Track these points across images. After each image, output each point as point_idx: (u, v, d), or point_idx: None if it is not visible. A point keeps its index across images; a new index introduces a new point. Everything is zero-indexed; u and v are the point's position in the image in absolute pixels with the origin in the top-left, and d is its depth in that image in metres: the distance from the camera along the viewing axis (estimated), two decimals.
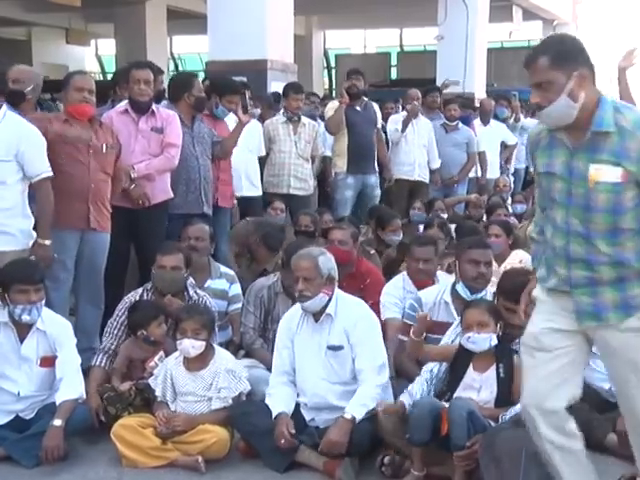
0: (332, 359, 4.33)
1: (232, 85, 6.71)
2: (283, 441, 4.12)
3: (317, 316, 4.37)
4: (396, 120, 8.91)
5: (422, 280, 5.24)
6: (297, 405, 4.40)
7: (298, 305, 4.47)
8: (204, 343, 4.37)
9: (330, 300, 4.35)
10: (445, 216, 7.69)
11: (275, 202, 6.95)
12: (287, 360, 4.43)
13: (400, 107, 10.07)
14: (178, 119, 5.82)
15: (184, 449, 4.24)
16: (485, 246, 4.94)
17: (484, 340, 4.05)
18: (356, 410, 4.17)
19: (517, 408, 3.86)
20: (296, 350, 4.41)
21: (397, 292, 5.23)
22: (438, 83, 14.12)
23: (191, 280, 5.12)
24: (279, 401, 4.32)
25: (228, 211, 6.61)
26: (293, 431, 4.15)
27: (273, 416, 4.22)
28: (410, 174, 8.88)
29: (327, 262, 4.38)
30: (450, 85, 12.32)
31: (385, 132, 8.94)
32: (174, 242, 5.28)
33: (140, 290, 5.03)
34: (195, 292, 5.04)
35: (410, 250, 5.43)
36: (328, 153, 8.22)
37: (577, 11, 22.07)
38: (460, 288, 4.74)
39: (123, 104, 5.80)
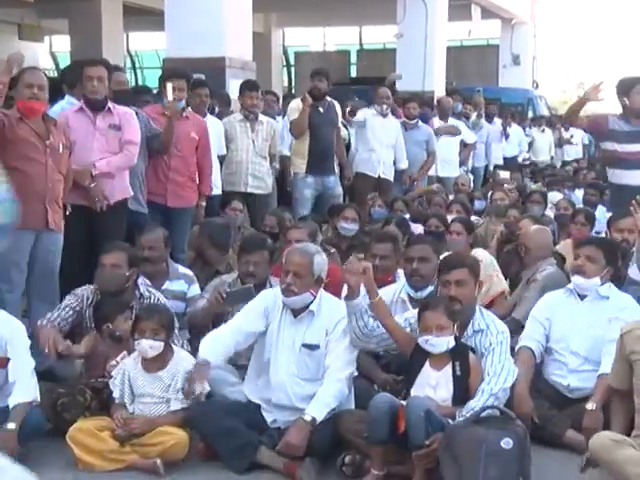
0: (306, 357, 4.32)
1: (177, 69, 6.62)
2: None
3: (297, 312, 4.34)
4: (365, 113, 8.94)
5: (380, 277, 5.23)
6: (258, 406, 4.37)
7: (280, 294, 4.38)
8: (162, 343, 4.32)
9: (314, 299, 4.33)
10: (407, 216, 7.70)
11: (233, 202, 6.89)
12: (246, 329, 4.32)
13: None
14: (135, 116, 5.75)
15: (142, 452, 4.19)
16: (420, 242, 4.94)
17: (442, 343, 4.04)
18: (317, 411, 4.15)
19: (474, 406, 3.90)
20: (268, 340, 4.36)
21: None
22: (399, 82, 14.23)
23: (144, 280, 5.07)
24: (210, 346, 4.24)
25: (187, 212, 6.53)
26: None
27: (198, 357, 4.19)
28: (373, 171, 8.89)
29: (321, 262, 4.36)
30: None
31: (346, 127, 8.95)
32: (120, 242, 5.17)
33: (93, 287, 4.95)
34: (147, 290, 4.98)
35: (369, 246, 5.42)
36: (287, 153, 8.18)
37: (535, 10, 22.25)
38: (406, 286, 4.75)
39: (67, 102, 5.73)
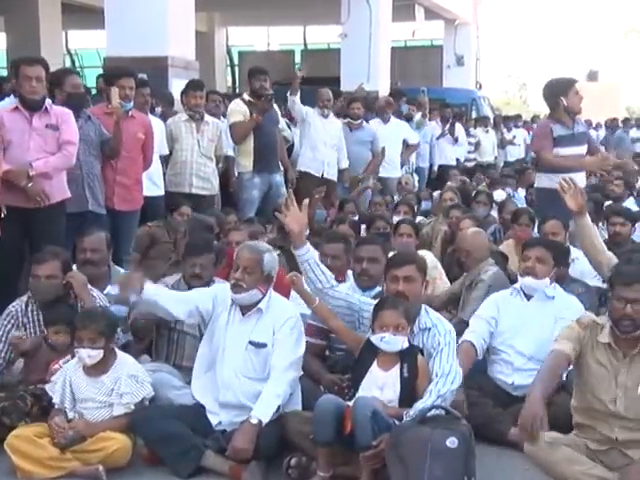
0: (252, 355, 4.31)
1: (125, 68, 6.54)
2: None
3: (245, 310, 4.34)
4: (307, 110, 8.94)
5: None
6: (203, 409, 4.33)
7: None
8: (101, 351, 4.25)
9: (263, 297, 4.34)
10: (356, 218, 7.71)
11: (182, 207, 6.77)
12: (195, 301, 4.42)
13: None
14: (73, 117, 5.66)
15: (84, 458, 4.12)
16: (370, 243, 4.95)
17: (398, 342, 4.05)
18: (263, 413, 4.13)
19: (422, 407, 3.91)
20: (216, 337, 4.37)
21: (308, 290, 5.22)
22: (344, 81, 14.26)
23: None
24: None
25: (133, 214, 6.46)
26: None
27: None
28: (317, 170, 8.89)
29: (271, 260, 4.38)
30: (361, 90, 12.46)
31: (289, 127, 8.92)
32: (52, 249, 5.02)
33: (25, 298, 4.86)
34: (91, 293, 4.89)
35: (320, 246, 5.42)
36: (231, 153, 8.13)
37: (478, 11, 22.50)
38: (354, 285, 4.76)
39: (11, 101, 5.61)
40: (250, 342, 4.31)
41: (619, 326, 3.75)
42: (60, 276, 4.80)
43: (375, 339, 4.08)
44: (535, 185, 7.07)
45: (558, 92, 6.77)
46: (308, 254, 4.29)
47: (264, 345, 4.30)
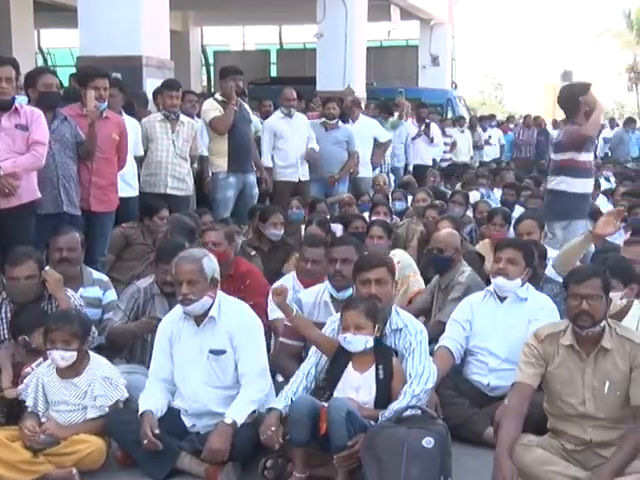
0: (214, 363, 4.27)
1: (97, 69, 6.47)
2: (146, 441, 4.02)
3: (199, 319, 4.29)
4: (273, 119, 8.94)
5: (310, 280, 5.21)
6: (177, 411, 4.31)
7: (177, 308, 4.38)
8: (75, 353, 4.22)
9: (213, 303, 4.28)
10: (327, 217, 7.70)
11: (161, 211, 6.72)
12: (165, 367, 4.34)
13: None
14: (43, 116, 5.59)
15: (57, 461, 4.08)
16: (343, 243, 4.94)
17: (359, 341, 4.04)
18: (237, 414, 4.12)
19: (397, 408, 3.91)
20: (176, 355, 4.33)
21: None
22: (320, 81, 14.26)
23: None
24: (147, 399, 4.22)
25: (107, 216, 6.41)
26: (157, 431, 4.05)
27: (140, 412, 4.14)
28: (293, 176, 8.89)
29: (211, 264, 4.32)
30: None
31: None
32: (24, 249, 4.97)
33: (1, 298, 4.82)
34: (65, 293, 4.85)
35: (300, 250, 5.40)
36: (205, 153, 8.09)
37: (453, 12, 22.58)
38: (329, 287, 4.75)
39: None
40: (210, 351, 4.27)
41: (578, 323, 3.81)
42: (38, 275, 4.76)
43: (340, 339, 4.09)
44: (552, 187, 6.91)
45: (579, 96, 6.70)
46: None
47: (223, 352, 4.27)
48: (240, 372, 4.24)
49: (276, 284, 5.22)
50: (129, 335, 4.90)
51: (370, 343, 4.06)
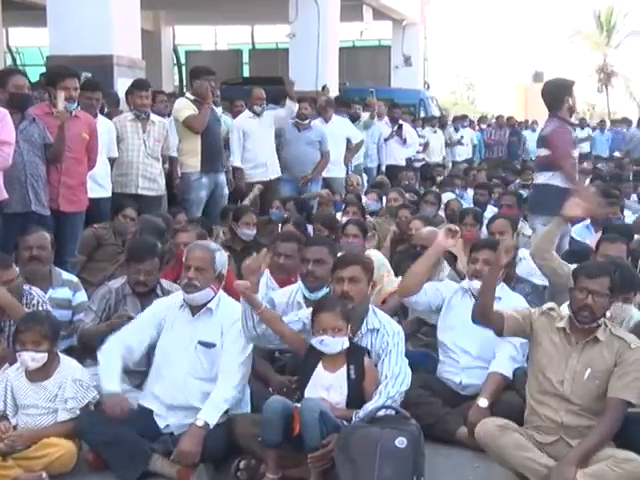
0: (202, 355, 4.27)
1: (67, 69, 6.41)
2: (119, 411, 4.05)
3: (195, 310, 4.32)
4: (241, 120, 8.94)
5: (283, 276, 5.21)
6: (150, 412, 4.27)
7: (176, 296, 4.41)
8: (45, 354, 4.17)
9: (214, 297, 4.32)
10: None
11: (126, 210, 6.68)
12: (135, 338, 4.32)
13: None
14: (9, 116, 5.54)
15: (26, 465, 4.03)
16: (316, 244, 4.94)
17: (337, 344, 4.04)
18: (209, 415, 4.10)
19: (371, 407, 3.91)
20: (164, 342, 4.33)
21: (260, 289, 5.18)
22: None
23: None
24: (111, 377, 4.18)
25: (77, 216, 6.36)
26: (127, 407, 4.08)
27: (104, 391, 4.13)
28: (263, 175, 8.88)
29: (222, 259, 4.39)
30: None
31: None
32: (3, 255, 4.96)
33: None
34: (30, 292, 4.80)
35: (274, 245, 5.41)
36: (174, 154, 8.04)
37: (425, 12, 22.65)
38: (302, 287, 4.74)
39: None
40: (199, 342, 4.28)
41: (578, 316, 3.93)
42: (19, 277, 4.75)
43: (315, 342, 4.07)
44: (538, 181, 6.78)
45: (565, 92, 6.71)
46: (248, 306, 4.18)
47: (213, 345, 4.27)
48: (220, 365, 4.23)
49: None
50: (102, 335, 4.84)
51: (346, 344, 4.06)
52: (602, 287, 3.92)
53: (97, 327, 4.87)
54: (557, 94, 6.69)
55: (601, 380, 3.88)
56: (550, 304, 4.25)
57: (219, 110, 9.35)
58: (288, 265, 5.30)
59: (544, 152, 6.77)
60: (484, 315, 4.17)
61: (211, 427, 4.07)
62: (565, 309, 4.10)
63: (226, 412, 4.16)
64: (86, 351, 4.92)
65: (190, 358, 4.28)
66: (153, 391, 4.33)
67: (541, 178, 6.72)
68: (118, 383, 4.19)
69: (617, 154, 18.05)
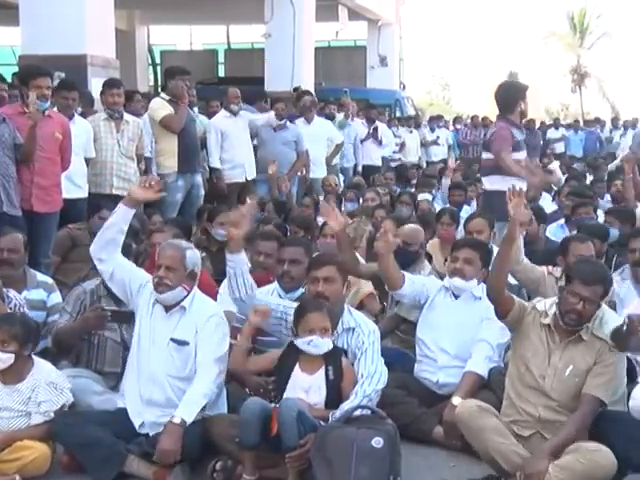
0: (174, 352, 4.25)
1: (40, 68, 6.36)
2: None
3: (168, 308, 4.29)
4: (222, 115, 8.92)
5: (262, 275, 5.18)
6: (126, 413, 4.25)
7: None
8: (12, 356, 4.12)
9: (187, 295, 4.29)
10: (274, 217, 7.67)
11: (102, 211, 6.62)
12: (129, 272, 4.42)
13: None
14: None
15: (0, 468, 4.00)
16: (292, 244, 4.94)
17: (326, 344, 4.06)
18: (186, 412, 4.07)
19: (347, 407, 3.92)
20: (139, 334, 4.31)
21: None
22: (268, 81, 14.19)
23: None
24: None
25: (51, 217, 6.31)
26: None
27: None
28: (240, 176, 8.87)
29: (193, 257, 4.35)
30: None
31: None
32: None
33: None
34: (7, 295, 4.76)
35: (253, 244, 5.40)
36: (148, 154, 8.00)
37: (400, 12, 22.70)
38: (278, 288, 4.75)
39: None
40: (172, 339, 4.25)
41: (565, 318, 3.96)
42: None
43: (302, 343, 4.06)
44: (486, 187, 6.85)
45: (518, 96, 6.74)
46: (239, 262, 4.25)
47: (186, 343, 4.24)
48: (197, 360, 4.20)
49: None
50: (77, 332, 4.78)
51: (331, 345, 4.09)
52: (595, 295, 3.94)
53: (71, 325, 4.82)
54: (511, 97, 6.76)
55: (581, 378, 3.93)
56: (538, 299, 4.29)
57: (195, 110, 9.34)
58: (267, 264, 5.29)
59: (486, 155, 6.83)
60: (497, 291, 4.14)
61: (188, 424, 4.03)
62: (549, 304, 4.12)
63: (202, 410, 4.13)
64: (61, 351, 4.88)
65: (163, 355, 4.25)
66: (130, 385, 4.30)
67: (487, 184, 6.78)
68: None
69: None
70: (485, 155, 6.92)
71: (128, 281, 4.39)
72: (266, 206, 8.02)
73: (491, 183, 6.74)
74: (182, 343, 4.24)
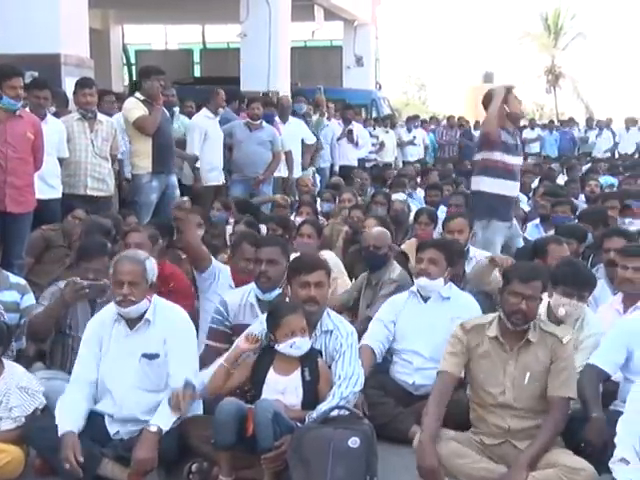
0: (147, 367, 4.20)
1: (13, 68, 6.28)
2: (68, 466, 3.89)
3: (132, 323, 4.21)
4: (203, 115, 8.89)
5: (245, 277, 5.15)
6: (102, 417, 4.21)
7: (106, 310, 4.30)
8: None
9: (149, 306, 4.23)
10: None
11: (76, 210, 6.58)
12: (92, 369, 4.23)
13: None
14: None
15: None
16: (269, 244, 4.90)
17: (306, 344, 4.06)
18: (162, 420, 4.04)
19: (324, 408, 3.92)
20: (106, 357, 4.23)
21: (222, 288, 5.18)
22: (244, 81, 14.16)
23: None
24: (68, 416, 4.07)
25: (26, 217, 6.25)
26: (81, 459, 3.91)
27: (59, 432, 3.99)
28: (217, 179, 8.89)
29: (152, 268, 4.28)
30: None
31: None
32: None
33: None
34: None
35: (239, 249, 5.36)
36: (120, 156, 7.94)
37: (376, 12, 22.72)
38: (255, 288, 4.71)
39: None
40: (143, 355, 4.19)
41: (511, 319, 3.90)
42: None
43: (284, 347, 4.03)
44: (476, 188, 6.85)
45: (493, 91, 6.79)
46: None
47: (156, 356, 4.20)
48: (170, 372, 4.16)
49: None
50: (54, 311, 4.70)
51: (309, 344, 4.08)
52: (535, 291, 3.90)
53: (48, 305, 4.74)
54: (490, 98, 6.80)
55: (541, 381, 3.89)
56: (471, 319, 4.19)
57: (176, 110, 9.28)
58: (272, 272, 5.16)
59: (476, 157, 6.91)
60: None
61: (164, 432, 4.00)
62: (491, 316, 4.07)
63: (178, 417, 4.09)
64: (36, 340, 4.83)
65: (135, 371, 4.19)
66: (101, 406, 4.24)
67: (474, 184, 6.84)
68: (73, 423, 4.04)
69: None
70: (476, 157, 7.00)
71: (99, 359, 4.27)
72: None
73: (477, 183, 6.79)
74: (153, 357, 4.19)
